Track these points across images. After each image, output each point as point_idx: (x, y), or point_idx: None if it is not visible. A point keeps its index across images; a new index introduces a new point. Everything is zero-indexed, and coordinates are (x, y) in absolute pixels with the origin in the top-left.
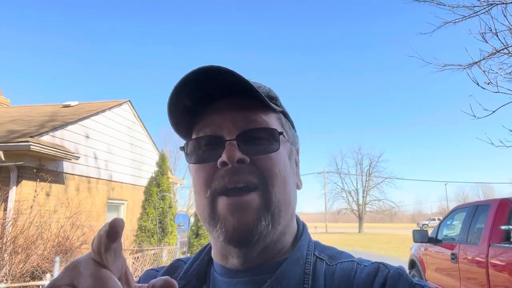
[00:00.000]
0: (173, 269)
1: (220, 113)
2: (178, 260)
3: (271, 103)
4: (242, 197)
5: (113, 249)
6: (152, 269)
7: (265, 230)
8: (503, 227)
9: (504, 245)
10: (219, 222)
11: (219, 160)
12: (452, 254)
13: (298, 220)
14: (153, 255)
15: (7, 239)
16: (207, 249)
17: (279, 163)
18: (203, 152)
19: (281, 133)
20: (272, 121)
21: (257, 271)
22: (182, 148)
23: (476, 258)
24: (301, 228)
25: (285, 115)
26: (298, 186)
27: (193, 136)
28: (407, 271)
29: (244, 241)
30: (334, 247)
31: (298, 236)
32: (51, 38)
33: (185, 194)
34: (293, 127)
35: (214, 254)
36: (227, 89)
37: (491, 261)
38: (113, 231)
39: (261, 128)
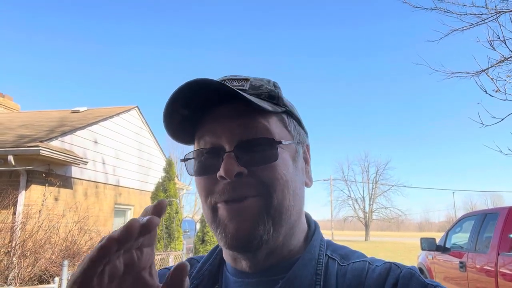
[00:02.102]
0: None
1: (218, 121)
2: (192, 258)
3: (269, 107)
4: (241, 203)
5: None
6: (165, 268)
7: (265, 235)
8: None
9: None
10: (219, 227)
11: (218, 174)
12: (461, 262)
13: (309, 219)
14: (160, 260)
15: (16, 242)
16: (219, 248)
17: (280, 169)
18: (203, 163)
19: (279, 142)
20: (273, 124)
21: (268, 272)
22: (183, 160)
23: (485, 267)
24: (313, 228)
25: (289, 113)
26: (307, 184)
27: (195, 144)
28: None
29: (243, 247)
30: (347, 246)
31: (309, 236)
32: (60, 43)
33: (191, 200)
34: (300, 124)
35: (225, 255)
36: (223, 95)
37: (500, 270)
38: (158, 208)
39: (258, 138)
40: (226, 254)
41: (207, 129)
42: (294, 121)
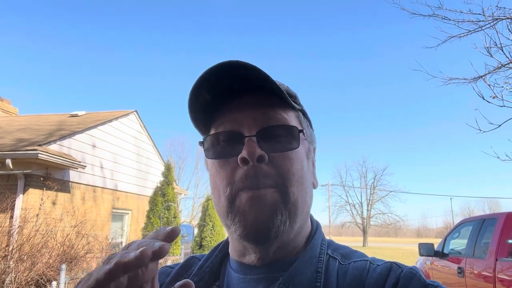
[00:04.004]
0: (187, 266)
1: (240, 109)
2: (193, 257)
3: (291, 101)
4: (260, 190)
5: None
6: (167, 266)
7: (282, 226)
8: (510, 241)
9: (511, 259)
10: (237, 215)
11: (240, 156)
12: (459, 268)
13: (312, 218)
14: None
15: (13, 246)
16: (221, 246)
17: (297, 162)
18: (222, 148)
19: (301, 131)
20: (291, 119)
21: (270, 268)
22: (201, 143)
23: (483, 273)
24: (315, 227)
25: (304, 113)
26: (314, 185)
27: (212, 132)
28: None
29: (261, 237)
30: (348, 246)
31: (311, 235)
32: (58, 47)
33: (189, 205)
34: (311, 126)
35: (231, 250)
36: (249, 84)
37: (499, 275)
38: (172, 235)
39: (281, 125)
40: (233, 249)
41: (228, 117)
42: (307, 121)
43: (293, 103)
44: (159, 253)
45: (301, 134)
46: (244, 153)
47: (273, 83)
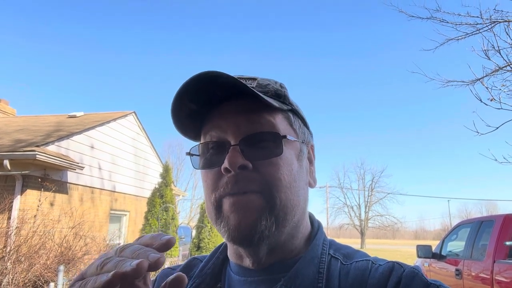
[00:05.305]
0: (189, 267)
1: (224, 116)
2: (194, 258)
3: (275, 103)
4: (244, 196)
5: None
6: (168, 268)
7: (266, 230)
8: (508, 243)
9: (509, 261)
10: (223, 221)
11: (222, 166)
12: (457, 270)
13: (312, 219)
14: None
15: (10, 247)
16: (222, 248)
17: (284, 167)
18: (208, 157)
19: (284, 137)
20: (278, 121)
21: (271, 270)
22: (188, 154)
23: (481, 275)
24: (316, 227)
25: (295, 112)
26: (311, 185)
27: (201, 139)
28: None
29: (245, 240)
30: (350, 246)
31: (312, 235)
32: (57, 48)
33: (187, 206)
34: (305, 124)
35: (229, 253)
36: (230, 91)
37: (496, 277)
38: (167, 246)
39: (264, 132)
40: (231, 252)
41: (213, 124)
42: (299, 120)
43: (280, 104)
44: (155, 266)
45: (288, 137)
46: (225, 163)
47: (250, 90)
